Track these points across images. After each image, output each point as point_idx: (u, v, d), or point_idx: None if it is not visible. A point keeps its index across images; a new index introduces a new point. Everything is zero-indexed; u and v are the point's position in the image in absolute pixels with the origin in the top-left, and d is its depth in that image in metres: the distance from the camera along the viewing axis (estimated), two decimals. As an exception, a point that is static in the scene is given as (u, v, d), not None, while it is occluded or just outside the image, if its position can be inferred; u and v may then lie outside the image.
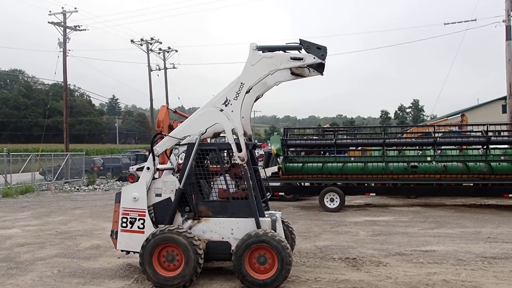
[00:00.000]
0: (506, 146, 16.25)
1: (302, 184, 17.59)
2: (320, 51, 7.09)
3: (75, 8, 33.21)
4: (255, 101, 7.62)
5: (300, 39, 7.20)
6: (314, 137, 19.16)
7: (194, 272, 6.92)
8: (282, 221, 8.23)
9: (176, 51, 45.52)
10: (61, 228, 13.02)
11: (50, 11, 32.46)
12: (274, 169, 17.39)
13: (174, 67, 46.25)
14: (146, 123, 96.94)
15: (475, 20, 27.17)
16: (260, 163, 18.66)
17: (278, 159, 16.31)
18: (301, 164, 16.24)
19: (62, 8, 33.00)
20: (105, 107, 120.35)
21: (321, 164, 16.04)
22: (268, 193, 8.51)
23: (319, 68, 7.31)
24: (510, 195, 15.90)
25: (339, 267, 8.15)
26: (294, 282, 7.23)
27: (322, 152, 17.83)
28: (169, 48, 45.36)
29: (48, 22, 32.45)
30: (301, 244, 9.98)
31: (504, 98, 28.60)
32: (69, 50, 33.33)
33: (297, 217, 14.46)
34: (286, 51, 7.31)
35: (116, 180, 33.17)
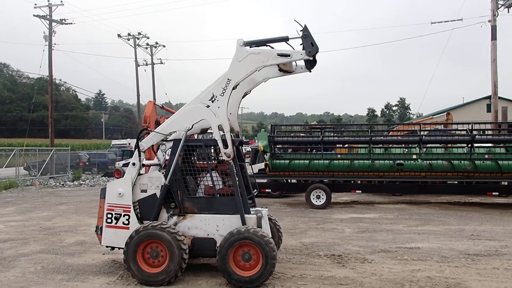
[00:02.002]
0: (490, 144, 16.46)
1: (289, 181, 17.63)
2: (311, 47, 6.96)
3: (61, 1, 32.83)
4: (243, 98, 7.59)
5: (305, 25, 7.01)
6: (301, 134, 19.21)
7: (179, 268, 6.89)
8: (270, 218, 8.22)
9: (164, 46, 45.37)
10: (45, 224, 12.89)
11: (35, 4, 32.08)
12: (261, 165, 17.41)
13: (161, 63, 46.10)
14: (133, 118, 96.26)
15: (461, 19, 27.50)
16: (247, 160, 18.67)
17: (265, 155, 16.32)
18: (288, 161, 16.26)
19: (48, 1, 32.60)
20: (91, 102, 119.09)
21: (307, 161, 16.08)
22: (255, 190, 8.51)
23: (308, 64, 7.27)
24: (493, 193, 16.15)
25: (325, 264, 8.19)
26: (279, 279, 7.24)
27: (309, 149, 17.89)
28: (156, 43, 45.15)
29: (34, 15, 32.07)
30: (287, 241, 10.00)
31: (489, 97, 28.96)
32: (55, 43, 33.02)
33: (283, 213, 14.49)
34: (273, 47, 7.26)
35: (102, 176, 32.92)
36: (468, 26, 48.63)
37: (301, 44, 7.11)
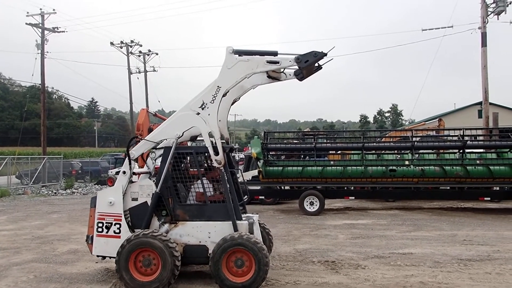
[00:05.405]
0: (481, 150, 16.56)
1: (282, 187, 17.64)
2: (303, 61, 7.02)
3: (54, 10, 32.79)
4: (232, 104, 7.66)
5: (327, 53, 7.07)
6: (294, 141, 19.24)
7: (172, 275, 6.88)
8: (259, 223, 8.25)
9: (157, 54, 45.32)
10: (38, 233, 12.80)
11: (28, 12, 32.03)
12: (254, 172, 17.41)
13: (154, 70, 46.04)
14: (126, 126, 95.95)
15: (452, 26, 27.72)
16: (241, 167, 18.71)
17: (258, 162, 16.32)
18: (281, 167, 16.27)
19: (40, 9, 32.56)
20: (84, 110, 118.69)
21: (301, 168, 16.10)
22: (245, 196, 8.52)
23: (297, 72, 7.31)
24: (485, 198, 16.25)
25: (318, 270, 8.20)
26: (273, 285, 7.24)
27: (302, 156, 17.93)
28: (149, 51, 45.09)
29: (26, 24, 31.98)
30: (281, 248, 10.01)
31: (480, 103, 29.16)
32: (47, 52, 32.88)
33: (277, 220, 14.49)
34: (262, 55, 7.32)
35: (94, 184, 32.75)
36: (459, 33, 49.18)
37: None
